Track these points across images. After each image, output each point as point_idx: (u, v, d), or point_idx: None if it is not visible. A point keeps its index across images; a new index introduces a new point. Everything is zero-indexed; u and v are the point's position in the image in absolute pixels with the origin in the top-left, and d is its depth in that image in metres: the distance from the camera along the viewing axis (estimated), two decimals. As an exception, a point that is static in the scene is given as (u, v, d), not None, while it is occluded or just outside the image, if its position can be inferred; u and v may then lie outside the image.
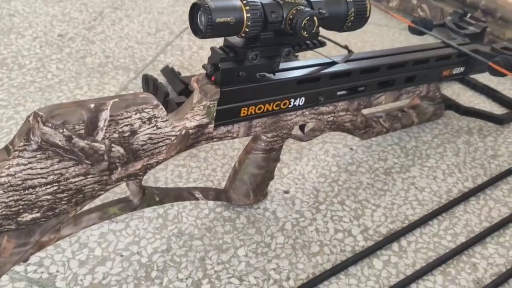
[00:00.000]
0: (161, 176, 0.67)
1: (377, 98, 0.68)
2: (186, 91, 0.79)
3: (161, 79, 0.86)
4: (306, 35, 0.50)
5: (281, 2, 0.50)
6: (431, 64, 0.71)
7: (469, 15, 1.04)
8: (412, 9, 0.93)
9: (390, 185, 0.70)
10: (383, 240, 0.60)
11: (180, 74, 0.84)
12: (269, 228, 0.61)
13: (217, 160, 0.71)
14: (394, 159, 0.75)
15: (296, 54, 0.85)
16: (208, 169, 0.69)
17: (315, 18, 0.50)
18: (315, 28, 0.51)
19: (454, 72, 0.76)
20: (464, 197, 0.68)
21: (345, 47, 0.95)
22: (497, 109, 0.89)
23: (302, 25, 0.49)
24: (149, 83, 0.75)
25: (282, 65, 0.57)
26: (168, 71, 0.85)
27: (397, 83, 0.69)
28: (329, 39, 0.96)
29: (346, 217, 0.64)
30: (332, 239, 0.60)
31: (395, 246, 0.60)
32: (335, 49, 0.99)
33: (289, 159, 0.73)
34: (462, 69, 0.77)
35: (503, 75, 0.69)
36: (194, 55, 0.96)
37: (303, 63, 0.59)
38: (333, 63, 0.60)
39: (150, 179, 0.66)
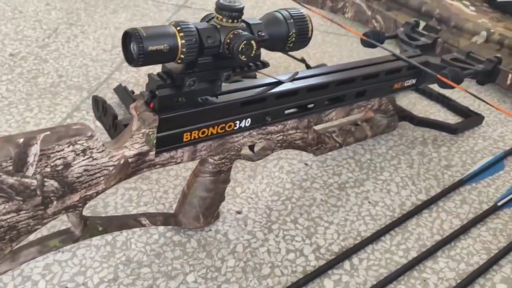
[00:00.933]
0: (111, 201, 0.66)
1: (327, 114, 0.68)
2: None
3: (115, 98, 0.84)
4: (244, 59, 0.50)
5: (218, 27, 0.50)
6: (381, 78, 0.71)
7: (424, 24, 1.05)
8: (367, 20, 0.94)
9: (344, 200, 0.70)
10: (334, 259, 0.60)
11: (133, 92, 0.83)
12: (220, 251, 0.60)
13: (169, 182, 0.70)
14: (348, 174, 0.75)
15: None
16: (159, 191, 0.68)
17: (252, 41, 0.49)
18: (253, 52, 0.50)
19: (406, 84, 0.77)
20: (417, 210, 0.69)
21: (302, 60, 0.95)
22: (452, 118, 0.90)
23: (240, 49, 0.49)
24: (98, 104, 0.73)
25: (227, 87, 0.57)
26: (121, 90, 0.83)
27: (347, 99, 0.69)
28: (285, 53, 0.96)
29: (298, 236, 0.63)
30: (283, 260, 0.60)
31: (346, 264, 0.60)
32: (294, 63, 0.99)
33: (243, 177, 0.72)
34: (414, 81, 0.77)
35: (451, 87, 0.70)
36: (150, 71, 0.94)
37: (248, 84, 0.59)
38: (279, 82, 0.60)
39: (99, 205, 0.65)
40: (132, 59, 0.46)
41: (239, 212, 0.66)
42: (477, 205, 0.71)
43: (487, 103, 0.65)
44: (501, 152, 0.81)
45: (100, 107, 0.72)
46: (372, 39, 0.79)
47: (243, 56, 0.49)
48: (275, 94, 0.59)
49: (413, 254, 0.62)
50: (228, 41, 0.49)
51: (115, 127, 0.68)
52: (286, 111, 0.62)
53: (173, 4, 1.23)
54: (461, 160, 0.80)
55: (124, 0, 1.21)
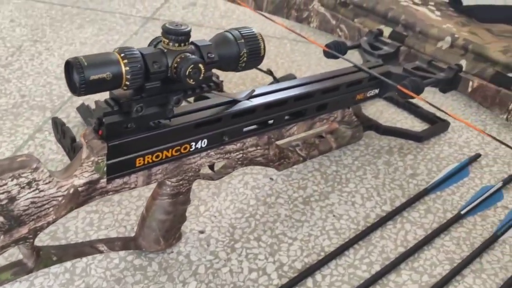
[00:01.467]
0: (71, 226, 0.65)
1: (288, 129, 0.68)
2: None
3: (78, 117, 0.83)
4: (193, 82, 0.49)
5: (165, 51, 0.49)
6: (342, 91, 0.71)
7: (390, 30, 1.05)
8: (332, 29, 0.94)
9: (308, 215, 0.70)
10: (296, 276, 0.60)
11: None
12: (182, 274, 0.60)
13: (131, 203, 0.69)
14: (313, 187, 0.74)
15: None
16: (121, 213, 0.67)
17: (200, 65, 0.49)
18: (201, 75, 0.50)
19: (368, 95, 0.77)
20: (381, 222, 0.69)
21: (268, 71, 0.95)
22: (419, 125, 0.90)
23: (187, 73, 0.48)
24: (57, 126, 0.72)
25: (182, 108, 0.57)
26: (84, 109, 0.82)
27: (308, 113, 0.68)
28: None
29: (261, 254, 0.63)
30: (246, 280, 0.60)
31: (309, 281, 0.60)
32: (261, 74, 0.98)
33: (207, 195, 0.71)
34: (376, 91, 0.77)
35: (412, 97, 0.70)
36: (115, 87, 0.93)
37: (203, 104, 0.58)
38: (235, 101, 0.59)
39: (59, 230, 0.64)
40: (75, 89, 0.45)
41: (202, 232, 0.66)
42: (442, 214, 0.71)
43: (444, 112, 0.65)
44: (466, 158, 0.82)
45: (59, 129, 0.71)
46: (334, 50, 0.79)
47: (191, 80, 0.49)
48: (231, 113, 0.58)
49: (377, 267, 0.62)
50: (175, 65, 0.48)
51: (73, 150, 0.67)
52: (245, 129, 0.62)
53: (141, 16, 1.22)
54: (427, 168, 0.80)
55: (91, 14, 1.20)
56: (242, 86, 0.97)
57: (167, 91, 0.51)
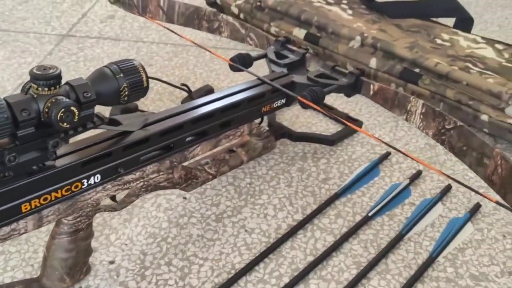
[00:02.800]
0: (-25, 271, 0.63)
1: (192, 151, 0.68)
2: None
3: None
4: (67, 125, 0.49)
5: (35, 96, 0.48)
6: (244, 106, 0.72)
7: (305, 32, 1.06)
8: (242, 38, 0.94)
9: (220, 232, 0.70)
10: None
11: None
12: None
13: (40, 239, 0.68)
14: (227, 202, 0.75)
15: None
16: (29, 251, 0.66)
17: (72, 108, 0.48)
18: (76, 117, 0.49)
19: (275, 106, 0.78)
20: (291, 232, 0.70)
21: (184, 86, 0.95)
22: (333, 127, 0.92)
23: (58, 117, 0.48)
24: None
25: (70, 146, 0.56)
26: None
27: (211, 132, 0.69)
28: (163, 81, 0.95)
29: (171, 279, 0.63)
30: None
31: None
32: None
33: (118, 222, 0.71)
34: (283, 101, 0.78)
35: (312, 108, 0.72)
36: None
37: (91, 140, 0.57)
38: (126, 133, 0.59)
39: (-38, 277, 0.63)
40: None
41: (112, 262, 0.66)
42: (351, 218, 0.73)
43: (338, 119, 0.67)
44: (376, 157, 0.84)
45: None
46: (239, 63, 0.79)
47: (65, 124, 0.48)
48: (122, 146, 0.58)
49: (286, 280, 0.64)
50: (47, 110, 0.48)
51: None
52: (142, 158, 0.62)
53: (56, 34, 1.18)
54: (339, 171, 0.82)
55: (3, 36, 1.16)
56: (159, 102, 0.97)
57: (44, 135, 0.50)
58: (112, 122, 0.59)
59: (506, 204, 0.56)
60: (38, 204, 0.53)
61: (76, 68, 1.05)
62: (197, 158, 0.72)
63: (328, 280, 0.64)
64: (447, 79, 0.90)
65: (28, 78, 0.48)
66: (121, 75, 0.54)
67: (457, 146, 0.67)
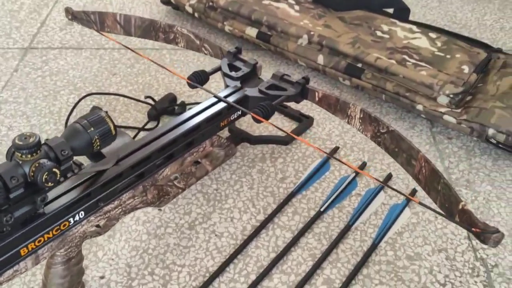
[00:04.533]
0: (-17, 298, 0.73)
1: (161, 173, 0.77)
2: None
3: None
4: (51, 184, 0.57)
5: (20, 162, 0.56)
6: (203, 126, 0.80)
7: (256, 31, 1.13)
8: (198, 48, 1.00)
9: (194, 239, 0.81)
10: None
11: None
12: None
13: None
14: (197, 209, 0.85)
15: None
16: (28, 275, 0.76)
17: (54, 169, 0.56)
18: (58, 176, 0.57)
19: (232, 118, 0.86)
20: (255, 233, 0.81)
21: (148, 98, 1.02)
22: (288, 124, 1.02)
23: (43, 180, 0.56)
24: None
25: (56, 190, 0.64)
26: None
27: (176, 154, 0.77)
28: (128, 97, 1.01)
29: (155, 286, 0.74)
30: None
31: None
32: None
33: (103, 239, 0.80)
34: (239, 112, 0.87)
35: (264, 122, 0.80)
36: (3, 140, 0.98)
37: (72, 183, 0.65)
38: (102, 172, 0.67)
39: (-28, 305, 0.72)
40: None
41: (102, 277, 0.76)
42: (306, 213, 0.84)
43: (275, 126, 0.76)
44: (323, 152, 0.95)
45: None
46: (195, 81, 0.87)
47: (49, 183, 0.56)
48: (100, 185, 0.66)
49: (253, 277, 0.75)
50: (32, 174, 0.56)
51: None
52: (118, 189, 0.71)
53: (19, 47, 1.22)
54: (294, 169, 0.92)
55: (-34, 55, 1.20)
56: (126, 113, 1.04)
57: (32, 192, 0.58)
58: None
59: (426, 204, 0.67)
60: (34, 247, 0.62)
61: (43, 84, 1.11)
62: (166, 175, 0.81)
63: (288, 273, 0.76)
64: (386, 73, 1.00)
65: None
66: (92, 128, 0.61)
67: (390, 148, 0.78)
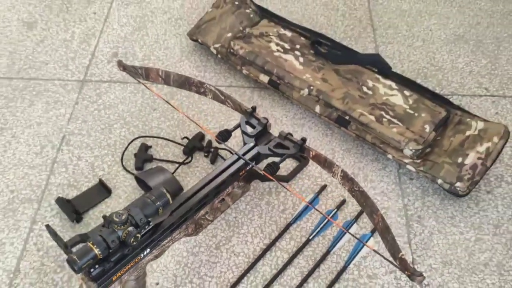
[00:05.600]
0: (78, 296, 1.07)
1: (198, 216, 1.09)
2: (80, 219, 1.17)
3: (58, 209, 1.21)
4: (135, 243, 0.89)
5: (116, 230, 0.88)
6: (228, 180, 1.11)
7: (268, 79, 1.41)
8: (222, 101, 1.28)
9: (219, 257, 1.14)
10: None
11: (69, 201, 1.20)
12: None
13: (111, 271, 1.11)
14: (221, 233, 1.18)
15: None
16: None
17: (137, 234, 0.89)
18: (139, 237, 0.90)
19: (248, 168, 1.17)
20: (262, 254, 1.15)
21: (185, 138, 1.32)
22: (289, 163, 1.32)
23: (130, 241, 0.88)
24: (51, 232, 1.11)
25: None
26: (61, 201, 1.20)
27: (208, 202, 1.09)
28: (167, 139, 1.29)
29: (194, 292, 1.09)
30: None
31: None
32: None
33: (156, 255, 1.14)
34: (253, 163, 1.18)
35: (269, 179, 1.11)
36: (75, 168, 1.29)
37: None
38: (161, 222, 1.00)
39: (72, 300, 1.07)
40: (76, 270, 0.85)
41: (157, 283, 1.10)
42: (299, 240, 1.18)
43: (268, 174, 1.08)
44: (316, 188, 1.26)
45: (52, 235, 1.10)
46: (221, 139, 1.17)
47: (133, 242, 0.89)
48: (160, 232, 0.99)
49: (259, 287, 1.09)
50: (123, 238, 0.88)
51: (68, 251, 1.07)
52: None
53: (76, 80, 1.51)
54: (292, 202, 1.24)
55: (36, 86, 1.49)
56: (166, 148, 1.34)
57: (122, 246, 0.91)
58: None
59: (378, 252, 0.99)
60: (120, 274, 0.95)
61: (99, 117, 1.41)
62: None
63: (284, 285, 1.10)
64: (367, 127, 1.29)
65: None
66: (158, 203, 0.93)
67: (360, 201, 1.09)
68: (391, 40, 1.66)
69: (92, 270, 0.88)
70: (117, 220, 0.88)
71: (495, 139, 1.25)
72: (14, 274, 1.11)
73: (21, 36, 1.64)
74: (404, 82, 1.39)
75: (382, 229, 1.02)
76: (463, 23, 1.72)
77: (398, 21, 1.72)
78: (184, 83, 1.32)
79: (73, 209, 1.20)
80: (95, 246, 0.85)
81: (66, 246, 1.08)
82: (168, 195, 0.96)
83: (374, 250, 0.96)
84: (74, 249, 0.88)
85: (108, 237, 0.87)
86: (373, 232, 1.18)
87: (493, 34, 1.67)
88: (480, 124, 1.28)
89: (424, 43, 1.65)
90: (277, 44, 1.46)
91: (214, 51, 1.52)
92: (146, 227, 0.95)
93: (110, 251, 0.88)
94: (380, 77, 1.39)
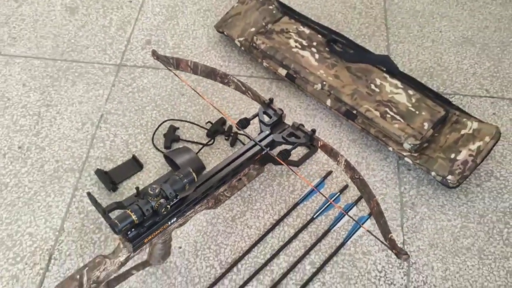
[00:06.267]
0: (113, 254, 1.26)
1: (219, 190, 1.26)
2: (115, 188, 1.35)
3: (96, 179, 1.39)
4: (165, 212, 1.07)
5: (150, 200, 1.06)
6: (245, 163, 1.28)
7: (286, 72, 1.56)
8: (243, 92, 1.44)
9: (234, 228, 1.32)
10: (229, 267, 1.24)
11: (106, 172, 1.38)
12: (173, 273, 1.24)
13: (141, 235, 1.30)
14: (237, 208, 1.35)
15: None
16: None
17: (167, 205, 1.06)
18: (169, 206, 1.07)
19: (263, 153, 1.33)
20: (272, 228, 1.32)
21: (208, 123, 1.48)
22: (300, 149, 1.47)
23: (162, 211, 1.06)
24: (92, 199, 1.29)
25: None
26: (100, 173, 1.38)
27: (227, 181, 1.26)
28: (192, 123, 1.46)
29: (211, 255, 1.26)
30: (200, 269, 1.24)
31: (234, 269, 1.24)
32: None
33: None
34: (268, 149, 1.34)
35: (281, 164, 1.27)
36: (112, 144, 1.47)
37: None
38: (186, 196, 1.17)
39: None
40: (116, 232, 1.03)
41: (180, 247, 1.28)
42: (305, 217, 1.34)
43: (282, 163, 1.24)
44: (323, 174, 1.42)
45: (93, 202, 1.28)
46: (241, 127, 1.33)
47: (165, 212, 1.06)
48: (186, 204, 1.16)
49: (267, 256, 1.26)
50: (156, 208, 1.05)
51: (107, 216, 1.25)
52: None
53: (113, 64, 1.68)
54: (301, 185, 1.40)
55: (77, 68, 1.66)
56: (192, 130, 1.51)
57: (155, 214, 1.08)
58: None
59: (371, 232, 1.15)
60: (150, 238, 1.13)
61: (134, 99, 1.58)
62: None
63: (289, 256, 1.27)
64: (371, 121, 1.43)
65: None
66: (185, 180, 1.10)
67: (360, 188, 1.24)
68: (402, 39, 1.78)
69: (129, 232, 1.06)
70: (151, 192, 1.06)
71: (487, 139, 1.38)
72: (59, 232, 1.30)
73: (64, 20, 1.81)
74: (409, 82, 1.53)
75: (377, 213, 1.18)
76: (472, 26, 1.83)
77: (410, 21, 1.84)
78: (210, 73, 1.48)
79: (110, 179, 1.38)
80: (132, 213, 1.03)
81: (104, 211, 1.26)
82: (194, 175, 1.13)
83: (368, 231, 1.13)
84: (110, 214, 1.05)
85: (144, 206, 1.05)
86: (370, 215, 1.34)
87: (500, 38, 1.79)
88: (475, 124, 1.42)
89: (433, 43, 1.78)
90: (296, 41, 1.60)
91: (238, 44, 1.67)
92: (174, 199, 1.12)
93: (144, 218, 1.06)
94: (387, 76, 1.53)
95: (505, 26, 1.83)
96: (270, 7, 1.72)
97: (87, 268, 1.04)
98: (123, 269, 1.21)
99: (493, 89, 1.64)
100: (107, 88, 1.62)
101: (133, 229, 1.07)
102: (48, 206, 1.35)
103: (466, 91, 1.63)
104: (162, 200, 1.06)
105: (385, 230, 1.13)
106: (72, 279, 1.02)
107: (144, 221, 1.07)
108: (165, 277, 1.23)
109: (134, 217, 1.02)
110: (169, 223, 1.16)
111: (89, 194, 1.28)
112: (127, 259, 1.10)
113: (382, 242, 1.07)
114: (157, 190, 1.06)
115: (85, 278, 1.03)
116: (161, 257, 1.24)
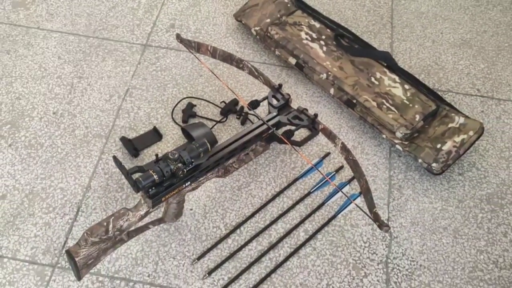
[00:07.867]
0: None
1: (229, 162, 1.43)
2: (137, 155, 1.53)
3: (121, 145, 1.57)
4: (181, 175, 1.24)
5: (169, 163, 1.23)
6: (253, 139, 1.44)
7: (295, 61, 1.72)
8: (256, 76, 1.60)
9: (239, 196, 1.49)
10: (233, 229, 1.42)
11: (130, 140, 1.56)
12: (184, 231, 1.42)
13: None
14: (243, 179, 1.53)
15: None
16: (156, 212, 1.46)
17: (184, 169, 1.23)
18: (185, 172, 1.24)
19: (269, 132, 1.50)
20: (273, 198, 1.49)
21: (222, 102, 1.65)
22: (303, 131, 1.64)
23: (179, 174, 1.23)
24: (116, 162, 1.46)
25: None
26: (124, 140, 1.56)
27: (237, 154, 1.43)
28: (208, 101, 1.63)
29: (218, 217, 1.44)
30: (207, 229, 1.41)
31: (237, 232, 1.42)
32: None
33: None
34: (274, 128, 1.50)
35: (285, 143, 1.44)
36: (136, 116, 1.65)
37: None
38: (200, 164, 1.34)
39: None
40: (140, 188, 1.20)
41: (191, 209, 1.46)
42: (302, 191, 1.51)
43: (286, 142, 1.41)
44: (322, 155, 1.58)
45: (117, 164, 1.46)
46: (252, 107, 1.50)
47: (180, 175, 1.24)
48: (199, 171, 1.33)
49: (267, 222, 1.44)
50: (174, 171, 1.23)
51: (129, 177, 1.43)
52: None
53: (139, 43, 1.84)
54: (301, 163, 1.57)
55: (107, 45, 1.83)
56: (207, 108, 1.68)
57: (172, 176, 1.26)
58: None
59: (361, 207, 1.31)
60: (167, 197, 1.31)
61: (157, 77, 1.75)
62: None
63: (286, 223, 1.44)
64: (369, 110, 1.59)
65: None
66: (200, 149, 1.27)
67: (352, 168, 1.41)
68: (405, 38, 1.93)
69: (150, 190, 1.24)
70: (171, 157, 1.23)
71: (471, 133, 1.54)
72: (86, 189, 1.48)
73: (97, 1, 1.98)
74: (406, 77, 1.68)
75: (365, 190, 1.35)
76: (472, 29, 1.97)
77: (414, 22, 1.99)
78: (227, 58, 1.65)
79: (133, 146, 1.56)
80: (154, 173, 1.20)
81: (127, 173, 1.44)
82: (208, 145, 1.30)
83: (356, 205, 1.30)
84: (132, 176, 1.23)
85: (164, 168, 1.22)
86: (360, 193, 1.51)
87: (496, 43, 1.93)
88: (462, 119, 1.58)
89: (434, 44, 1.92)
90: (307, 33, 1.76)
91: (254, 33, 1.83)
92: (190, 165, 1.29)
93: (164, 178, 1.23)
94: (387, 71, 1.68)
95: (502, 31, 1.97)
96: (286, 0, 1.88)
97: (113, 217, 1.22)
98: (142, 223, 1.40)
99: (484, 89, 1.79)
100: (133, 65, 1.79)
101: (153, 188, 1.25)
102: (77, 166, 1.53)
103: (459, 89, 1.78)
104: (180, 165, 1.24)
105: (371, 204, 1.29)
106: (100, 225, 1.20)
107: (163, 182, 1.25)
108: (176, 233, 1.41)
109: (155, 176, 1.20)
110: (184, 186, 1.33)
111: (114, 157, 1.46)
112: (146, 214, 1.28)
113: (367, 214, 1.24)
114: (176, 155, 1.24)
115: (111, 226, 1.21)
116: (175, 216, 1.42)
